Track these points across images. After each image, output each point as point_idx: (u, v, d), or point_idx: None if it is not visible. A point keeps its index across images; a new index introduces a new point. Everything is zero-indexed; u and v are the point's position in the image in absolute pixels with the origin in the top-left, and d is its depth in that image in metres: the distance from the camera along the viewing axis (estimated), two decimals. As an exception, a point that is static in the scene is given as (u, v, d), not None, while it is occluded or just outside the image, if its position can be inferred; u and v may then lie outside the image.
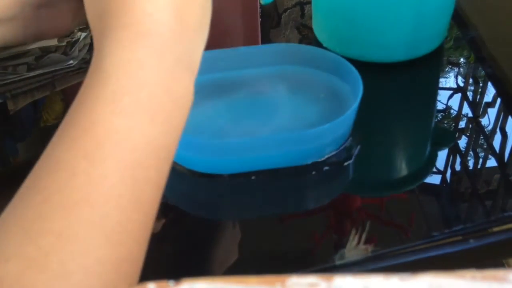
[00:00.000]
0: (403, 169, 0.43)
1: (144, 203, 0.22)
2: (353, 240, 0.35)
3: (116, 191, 0.21)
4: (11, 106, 0.51)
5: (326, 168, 0.41)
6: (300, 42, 0.60)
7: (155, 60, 0.24)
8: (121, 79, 0.23)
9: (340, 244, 0.36)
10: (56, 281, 0.18)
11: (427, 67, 0.53)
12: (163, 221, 0.39)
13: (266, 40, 0.61)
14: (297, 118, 0.44)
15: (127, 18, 0.24)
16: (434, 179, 0.42)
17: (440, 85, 0.52)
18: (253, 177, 0.40)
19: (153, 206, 0.23)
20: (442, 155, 0.44)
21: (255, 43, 0.60)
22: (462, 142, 0.45)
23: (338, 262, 0.34)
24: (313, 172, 0.40)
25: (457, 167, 0.43)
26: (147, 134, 0.22)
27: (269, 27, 0.63)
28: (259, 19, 0.62)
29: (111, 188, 0.21)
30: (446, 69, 0.54)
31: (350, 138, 0.43)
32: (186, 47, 0.25)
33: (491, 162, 0.43)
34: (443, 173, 0.42)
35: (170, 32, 0.25)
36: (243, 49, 0.48)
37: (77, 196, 0.20)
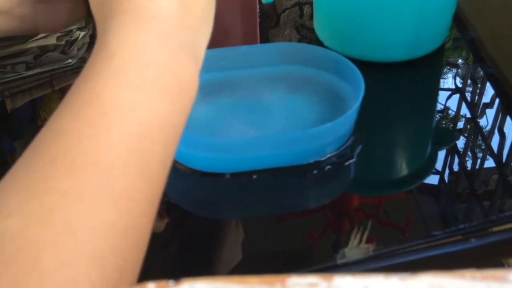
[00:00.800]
0: (404, 169, 0.43)
1: (151, 176, 0.21)
2: (354, 239, 0.35)
3: (123, 159, 0.20)
4: (9, 104, 0.51)
5: (328, 167, 0.41)
6: (299, 42, 0.60)
7: (159, 43, 0.24)
8: (126, 57, 0.23)
9: (340, 244, 0.36)
10: (62, 237, 0.18)
11: (428, 67, 0.53)
12: (164, 220, 0.39)
13: (264, 40, 0.61)
14: (299, 118, 0.45)
15: (131, 3, 0.24)
16: (432, 179, 0.42)
17: (439, 86, 0.52)
18: (254, 176, 0.40)
19: (160, 182, 0.22)
20: (441, 155, 0.44)
21: (254, 43, 0.60)
22: (460, 143, 0.45)
23: (339, 262, 0.34)
24: (315, 172, 0.41)
25: (455, 167, 0.43)
26: (153, 110, 0.22)
27: (268, 27, 0.63)
28: (258, 19, 0.62)
29: (118, 155, 0.20)
30: (445, 70, 0.55)
31: (352, 138, 0.43)
32: (191, 36, 0.25)
33: (489, 163, 0.43)
34: (441, 173, 0.42)
35: (174, 19, 0.25)
36: (244, 48, 0.48)
37: (82, 160, 0.20)
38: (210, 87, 0.47)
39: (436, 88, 0.52)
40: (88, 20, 0.57)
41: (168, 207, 0.40)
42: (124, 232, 0.19)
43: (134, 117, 0.21)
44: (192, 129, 0.43)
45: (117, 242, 0.19)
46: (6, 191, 0.19)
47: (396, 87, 0.52)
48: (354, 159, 0.42)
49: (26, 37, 0.54)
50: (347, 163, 0.41)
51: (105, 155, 0.20)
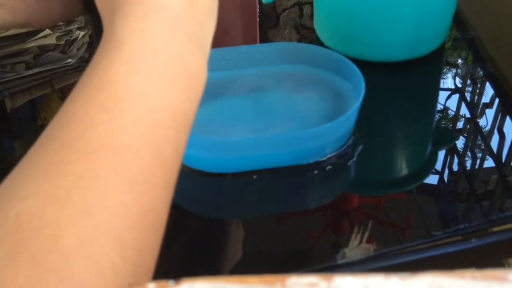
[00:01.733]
0: (404, 169, 0.43)
1: (165, 162, 0.22)
2: (355, 239, 0.35)
3: (137, 143, 0.20)
4: (9, 104, 0.51)
5: (329, 167, 0.41)
6: (299, 42, 0.60)
7: (168, 33, 0.24)
8: (136, 45, 0.23)
9: (339, 243, 0.36)
10: (80, 217, 0.18)
11: (428, 67, 0.53)
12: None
13: (264, 40, 0.61)
14: (299, 117, 0.45)
15: None
16: (431, 179, 0.42)
17: (439, 86, 0.52)
18: (255, 176, 0.40)
19: (174, 168, 0.22)
20: (440, 155, 0.44)
21: (254, 42, 0.60)
22: (460, 143, 0.45)
23: (340, 261, 0.34)
24: (315, 171, 0.41)
25: (455, 167, 0.43)
26: (165, 97, 0.22)
27: (267, 27, 0.63)
28: (258, 19, 0.62)
29: (132, 139, 0.20)
30: (444, 70, 0.55)
31: (352, 138, 0.43)
32: (197, 28, 0.26)
33: (489, 163, 0.43)
34: (440, 173, 0.42)
35: (182, 10, 0.25)
36: (245, 48, 0.48)
37: (97, 143, 0.20)
38: (210, 86, 0.47)
39: (436, 88, 0.52)
40: (84, 16, 0.57)
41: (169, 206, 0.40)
42: (141, 213, 0.20)
43: (146, 103, 0.22)
44: (193, 129, 0.43)
45: (135, 223, 0.19)
46: (22, 174, 0.19)
47: (396, 87, 0.52)
48: (354, 159, 0.42)
49: (25, 36, 0.54)
50: (350, 163, 0.41)
51: (120, 139, 0.20)
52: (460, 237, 0.35)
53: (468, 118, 0.48)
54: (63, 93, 0.53)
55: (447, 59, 0.56)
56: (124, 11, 0.24)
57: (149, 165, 0.21)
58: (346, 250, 0.35)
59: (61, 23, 0.56)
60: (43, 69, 0.53)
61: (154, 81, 0.22)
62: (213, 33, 0.28)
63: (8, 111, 0.51)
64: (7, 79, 0.52)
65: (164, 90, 0.22)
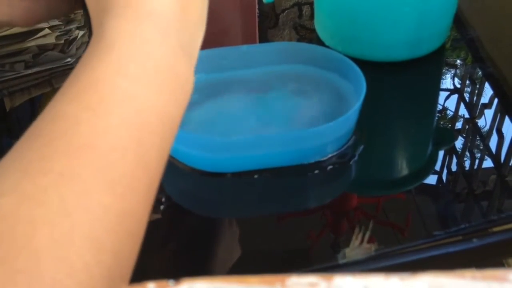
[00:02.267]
0: (404, 169, 0.43)
1: (149, 166, 0.21)
2: (355, 239, 0.35)
3: (121, 144, 0.20)
4: (8, 103, 0.51)
5: (330, 167, 0.41)
6: (299, 42, 0.60)
7: (159, 37, 0.24)
8: (125, 48, 0.23)
9: (338, 243, 0.36)
10: (56, 216, 0.17)
11: (429, 67, 0.53)
12: (164, 219, 0.39)
13: (264, 40, 0.61)
14: (300, 117, 0.45)
15: None
16: (430, 179, 0.42)
17: (440, 86, 0.53)
18: (255, 176, 0.40)
19: (157, 173, 0.22)
20: (439, 155, 0.44)
21: (253, 43, 0.60)
22: (459, 143, 0.45)
23: (341, 261, 0.34)
24: (316, 171, 0.41)
25: (454, 167, 0.43)
26: (152, 101, 0.22)
27: (267, 27, 0.63)
28: (257, 19, 0.62)
29: (116, 140, 0.20)
30: (443, 70, 0.55)
31: (353, 137, 0.43)
32: (187, 35, 0.26)
33: (488, 163, 0.43)
34: (439, 173, 0.42)
35: (173, 16, 0.25)
36: (245, 48, 0.48)
37: (80, 142, 0.19)
38: (211, 86, 0.47)
39: (437, 88, 0.52)
40: (69, 15, 0.56)
41: (169, 206, 0.40)
42: (120, 217, 0.19)
43: (133, 105, 0.21)
44: (194, 129, 0.43)
45: (113, 226, 0.19)
46: (2, 171, 0.19)
47: (397, 87, 0.52)
48: (355, 158, 0.42)
49: (25, 36, 0.54)
50: (351, 162, 0.41)
51: (104, 139, 0.20)
52: (460, 237, 0.35)
53: (467, 118, 0.48)
54: (62, 93, 0.53)
55: (447, 59, 0.56)
56: (115, 13, 0.24)
57: (132, 168, 0.20)
58: (347, 250, 0.35)
59: (60, 23, 0.56)
60: (43, 68, 0.53)
61: (143, 84, 0.22)
62: (202, 39, 0.28)
63: (8, 110, 0.51)
64: (6, 78, 0.52)
65: (152, 94, 0.22)
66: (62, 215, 0.18)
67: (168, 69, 0.23)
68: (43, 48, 0.54)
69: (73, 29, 0.56)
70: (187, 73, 0.25)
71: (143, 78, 0.22)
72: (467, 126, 0.47)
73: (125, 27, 0.23)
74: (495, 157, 0.44)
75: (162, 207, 0.39)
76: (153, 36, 0.24)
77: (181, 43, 0.25)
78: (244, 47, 0.48)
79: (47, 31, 0.54)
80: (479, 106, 0.49)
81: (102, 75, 0.22)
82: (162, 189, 0.40)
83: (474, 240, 0.35)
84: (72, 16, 0.57)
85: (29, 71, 0.53)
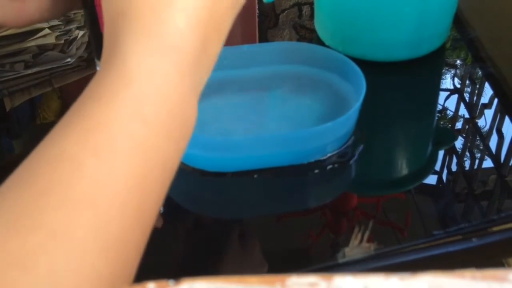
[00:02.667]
0: (404, 169, 0.43)
1: (146, 218, 0.20)
2: (355, 239, 0.35)
3: (122, 198, 0.19)
4: (8, 103, 0.51)
5: (330, 166, 0.41)
6: (299, 42, 0.60)
7: (178, 78, 0.22)
8: (144, 87, 0.21)
9: (338, 243, 0.36)
10: (43, 283, 0.16)
11: (429, 67, 0.53)
12: (165, 219, 0.39)
13: (263, 40, 0.61)
14: (300, 117, 0.45)
15: (157, 26, 0.22)
16: (430, 179, 0.42)
17: (440, 86, 0.53)
18: (255, 176, 0.40)
19: (151, 224, 0.21)
20: (439, 155, 0.44)
21: (253, 43, 0.60)
22: (459, 143, 0.45)
23: (341, 261, 0.34)
24: (316, 171, 0.41)
25: (454, 167, 0.43)
26: (160, 148, 0.21)
27: (266, 27, 0.63)
28: (257, 19, 0.62)
29: (117, 193, 0.19)
30: (443, 70, 0.55)
31: (353, 137, 0.43)
32: (202, 74, 0.24)
33: (488, 163, 0.43)
34: (439, 173, 0.42)
35: (195, 54, 0.23)
36: (245, 48, 0.48)
37: (80, 194, 0.18)
38: (211, 86, 0.47)
39: (437, 88, 0.52)
40: (64, 15, 0.56)
41: (169, 206, 0.40)
42: (112, 280, 0.18)
43: (141, 154, 0.20)
44: (194, 128, 0.43)
45: None
46: None
47: (397, 87, 0.52)
48: (355, 158, 0.42)
49: (25, 36, 0.54)
50: (351, 162, 0.41)
51: (105, 192, 0.19)
52: (460, 237, 0.35)
53: (467, 118, 0.48)
54: (62, 92, 0.53)
55: (447, 59, 0.56)
56: (137, 39, 0.22)
57: (130, 226, 0.19)
58: (347, 249, 0.35)
59: (60, 23, 0.56)
60: (42, 68, 0.53)
61: (155, 130, 0.21)
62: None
63: (7, 110, 0.51)
64: (6, 78, 0.52)
65: (161, 141, 0.21)
66: (50, 283, 0.16)
67: (179, 114, 0.22)
68: (43, 48, 0.54)
69: (73, 29, 0.56)
70: (194, 115, 0.24)
71: (156, 123, 0.21)
72: (467, 126, 0.47)
73: (147, 60, 0.22)
74: (495, 157, 0.44)
75: (161, 209, 0.39)
76: (173, 75, 0.22)
77: (195, 82, 0.24)
78: (244, 47, 0.48)
79: (47, 31, 0.54)
80: (479, 106, 0.49)
81: (115, 115, 0.20)
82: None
83: (474, 239, 0.35)
84: (72, 16, 0.57)
85: (29, 71, 0.53)
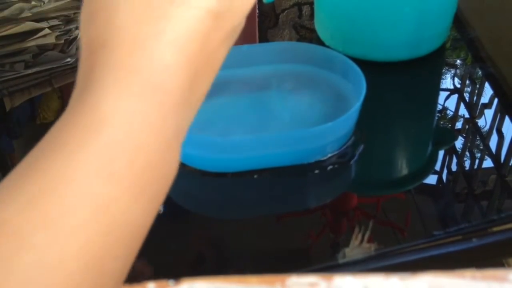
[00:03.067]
0: (404, 169, 0.43)
1: None
2: (355, 239, 0.35)
3: (75, 280, 0.16)
4: (8, 103, 0.51)
5: (330, 167, 0.41)
6: (299, 42, 0.60)
7: (160, 122, 0.19)
8: (119, 134, 0.18)
9: (338, 243, 0.36)
10: None
11: (429, 67, 0.53)
12: (165, 219, 0.39)
13: (263, 40, 0.61)
14: (300, 117, 0.45)
15: (140, 60, 0.19)
16: (430, 179, 0.42)
17: (440, 86, 0.53)
18: (256, 176, 0.40)
19: None
20: (439, 155, 0.44)
21: (253, 42, 0.60)
22: (459, 143, 0.45)
23: (341, 261, 0.34)
24: (316, 171, 0.41)
25: (454, 167, 0.43)
26: (130, 211, 0.18)
27: (266, 27, 0.63)
28: (257, 19, 0.62)
29: (70, 275, 0.16)
30: (443, 70, 0.55)
31: (353, 137, 0.43)
32: (187, 116, 0.21)
33: (488, 163, 0.43)
34: (439, 173, 0.42)
35: (181, 94, 0.20)
36: (246, 47, 0.48)
37: (24, 276, 0.15)
38: (211, 86, 0.47)
39: (437, 88, 0.52)
40: None
41: (169, 206, 0.40)
42: None
43: (103, 221, 0.17)
44: (193, 128, 0.43)
45: None
46: None
47: (397, 87, 0.52)
48: (355, 158, 0.42)
49: (25, 36, 0.54)
50: (351, 162, 0.41)
51: (53, 275, 0.16)
52: (460, 237, 0.35)
53: (467, 118, 0.48)
54: (62, 92, 0.53)
55: (447, 59, 0.56)
56: (117, 75, 0.19)
57: None
58: (347, 249, 0.35)
59: (60, 23, 0.56)
60: (42, 68, 0.53)
61: (123, 190, 0.17)
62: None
63: (7, 110, 0.51)
64: (6, 78, 0.52)
65: (131, 202, 0.18)
66: None
67: (158, 164, 0.19)
68: (43, 48, 0.54)
69: (73, 29, 0.56)
70: (175, 162, 0.20)
71: (127, 180, 0.18)
72: (467, 126, 0.47)
73: (125, 101, 0.18)
74: (495, 157, 0.44)
75: (161, 209, 0.39)
76: (155, 119, 0.19)
77: (179, 127, 0.20)
78: (244, 47, 0.48)
79: (47, 31, 0.54)
80: (479, 106, 0.49)
81: (76, 172, 0.17)
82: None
83: (474, 240, 0.35)
84: (72, 16, 0.57)
85: (29, 71, 0.53)
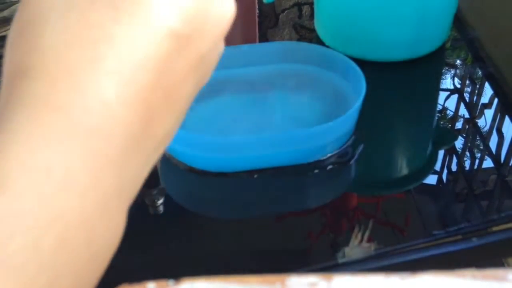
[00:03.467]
0: (404, 169, 0.43)
1: None
2: (355, 238, 0.35)
3: None
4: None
5: (330, 166, 0.41)
6: (299, 42, 0.60)
7: (92, 179, 0.14)
8: (26, 201, 0.13)
9: (338, 243, 0.36)
10: None
11: (429, 67, 0.53)
12: (164, 219, 0.39)
13: (263, 40, 0.61)
14: (300, 116, 0.45)
15: (70, 94, 0.14)
16: (430, 179, 0.42)
17: (440, 85, 0.53)
18: (255, 176, 0.40)
19: None
20: (439, 155, 0.44)
21: (253, 42, 0.60)
22: (459, 143, 0.45)
23: (341, 261, 0.34)
24: (316, 171, 0.41)
25: (454, 167, 0.43)
26: None
27: (266, 27, 0.63)
28: (257, 19, 0.62)
29: None
30: (443, 70, 0.55)
31: (353, 137, 0.43)
32: (137, 170, 0.16)
33: (488, 163, 0.43)
34: (439, 173, 0.42)
35: (128, 141, 0.15)
36: (246, 47, 0.49)
37: None
38: (210, 85, 0.47)
39: (437, 88, 0.52)
40: None
41: (169, 206, 0.40)
42: None
43: None
44: (193, 128, 0.43)
45: None
46: None
47: (397, 87, 0.52)
48: (355, 158, 0.42)
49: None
50: (351, 162, 0.41)
51: None
52: (460, 237, 0.35)
53: (467, 118, 0.48)
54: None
55: (447, 59, 0.56)
56: (35, 115, 0.14)
57: None
58: (347, 249, 0.35)
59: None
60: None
61: (27, 284, 0.12)
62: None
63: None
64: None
65: None
66: None
67: (83, 236, 0.14)
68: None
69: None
70: (115, 235, 0.15)
71: (32, 268, 0.13)
72: (467, 126, 0.47)
73: (40, 153, 0.13)
74: (495, 157, 0.44)
75: (161, 209, 0.39)
76: (83, 177, 0.14)
77: (123, 184, 0.15)
78: (245, 47, 0.48)
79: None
80: (479, 106, 0.49)
81: None
82: (162, 189, 0.40)
83: (474, 239, 0.35)
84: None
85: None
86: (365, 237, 0.36)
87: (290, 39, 0.60)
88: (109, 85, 0.15)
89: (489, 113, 0.48)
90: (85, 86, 0.14)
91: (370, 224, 0.37)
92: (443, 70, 0.55)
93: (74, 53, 0.14)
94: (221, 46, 0.19)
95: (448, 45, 0.57)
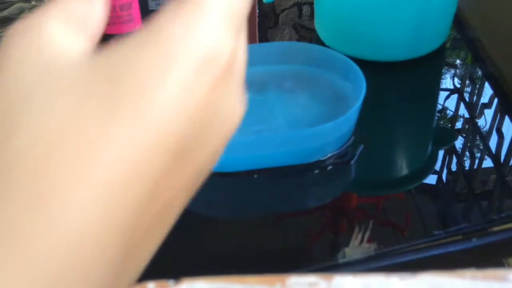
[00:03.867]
0: (404, 169, 0.43)
1: None
2: (355, 239, 0.35)
3: None
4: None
5: (330, 167, 0.41)
6: (299, 42, 0.60)
7: None
8: None
9: (338, 243, 0.36)
10: None
11: (429, 67, 0.53)
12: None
13: (263, 40, 0.61)
14: (300, 117, 0.45)
15: (31, 221, 0.11)
16: (430, 179, 0.42)
17: (440, 85, 0.53)
18: (255, 176, 0.40)
19: None
20: (439, 155, 0.44)
21: (253, 42, 0.60)
22: (459, 143, 0.45)
23: (341, 261, 0.34)
24: (316, 171, 0.41)
25: (454, 167, 0.43)
26: None
27: (266, 27, 0.63)
28: (257, 19, 0.62)
29: None
30: (443, 70, 0.55)
31: (353, 137, 0.43)
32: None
33: (488, 163, 0.43)
34: (439, 173, 0.42)
35: (101, 279, 0.12)
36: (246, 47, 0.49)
37: None
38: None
39: (437, 88, 0.52)
40: None
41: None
42: None
43: None
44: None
45: None
46: None
47: (397, 87, 0.52)
48: (355, 158, 0.42)
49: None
50: (351, 162, 0.41)
51: None
52: (460, 237, 0.35)
53: (467, 118, 0.48)
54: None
55: (447, 59, 0.56)
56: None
57: None
58: (347, 249, 0.35)
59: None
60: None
61: None
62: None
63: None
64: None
65: None
66: None
67: None
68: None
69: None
70: None
71: None
72: (467, 126, 0.47)
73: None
74: (495, 157, 0.44)
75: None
76: None
77: None
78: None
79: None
80: (479, 106, 0.49)
81: None
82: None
83: (474, 239, 0.35)
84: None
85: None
86: (365, 237, 0.36)
87: (290, 39, 0.60)
88: (81, 210, 0.12)
89: (489, 113, 0.48)
90: (47, 209, 0.11)
91: (370, 224, 0.37)
92: (443, 70, 0.55)
93: (46, 165, 0.11)
94: (219, 155, 0.16)
95: (448, 45, 0.57)
